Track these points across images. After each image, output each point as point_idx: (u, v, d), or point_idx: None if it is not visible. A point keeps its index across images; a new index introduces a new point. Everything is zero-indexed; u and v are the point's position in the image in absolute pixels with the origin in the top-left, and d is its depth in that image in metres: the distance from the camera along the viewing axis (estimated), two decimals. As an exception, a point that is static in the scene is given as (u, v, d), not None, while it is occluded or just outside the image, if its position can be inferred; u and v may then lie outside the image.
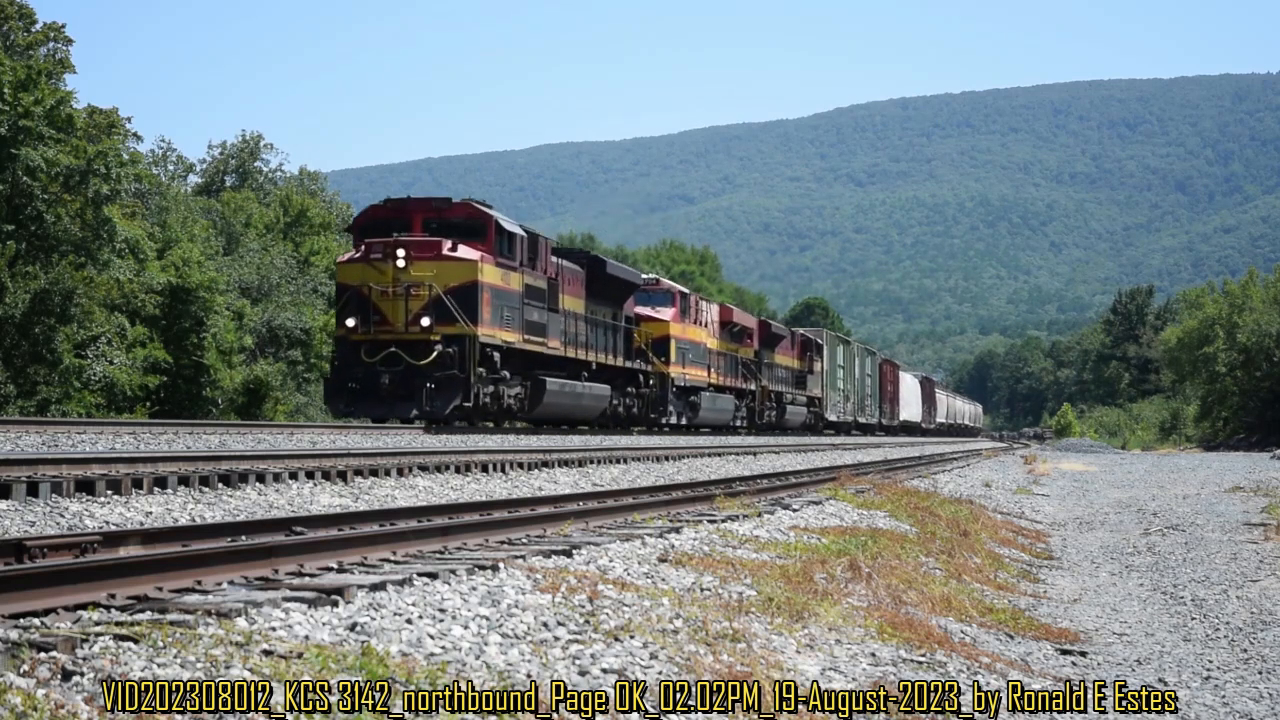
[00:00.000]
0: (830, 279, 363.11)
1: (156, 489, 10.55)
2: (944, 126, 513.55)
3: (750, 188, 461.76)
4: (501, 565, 6.98)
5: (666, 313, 38.08)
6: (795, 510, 12.94)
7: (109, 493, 10.07)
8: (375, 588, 6.04)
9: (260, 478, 11.80)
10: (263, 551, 6.60)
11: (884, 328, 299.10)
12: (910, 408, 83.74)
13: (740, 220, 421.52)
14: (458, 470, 15.23)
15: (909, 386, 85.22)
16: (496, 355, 25.13)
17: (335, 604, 5.61)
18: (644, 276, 38.72)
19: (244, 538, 7.63)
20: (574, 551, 7.98)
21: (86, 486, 9.99)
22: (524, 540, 8.53)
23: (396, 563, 7.09)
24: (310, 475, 12.57)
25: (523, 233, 26.75)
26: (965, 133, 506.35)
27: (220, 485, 11.25)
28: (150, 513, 9.48)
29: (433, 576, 6.51)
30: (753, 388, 48.29)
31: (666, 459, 22.52)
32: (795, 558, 9.47)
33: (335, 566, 6.79)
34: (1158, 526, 18.17)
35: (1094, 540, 17.19)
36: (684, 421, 39.43)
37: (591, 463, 18.97)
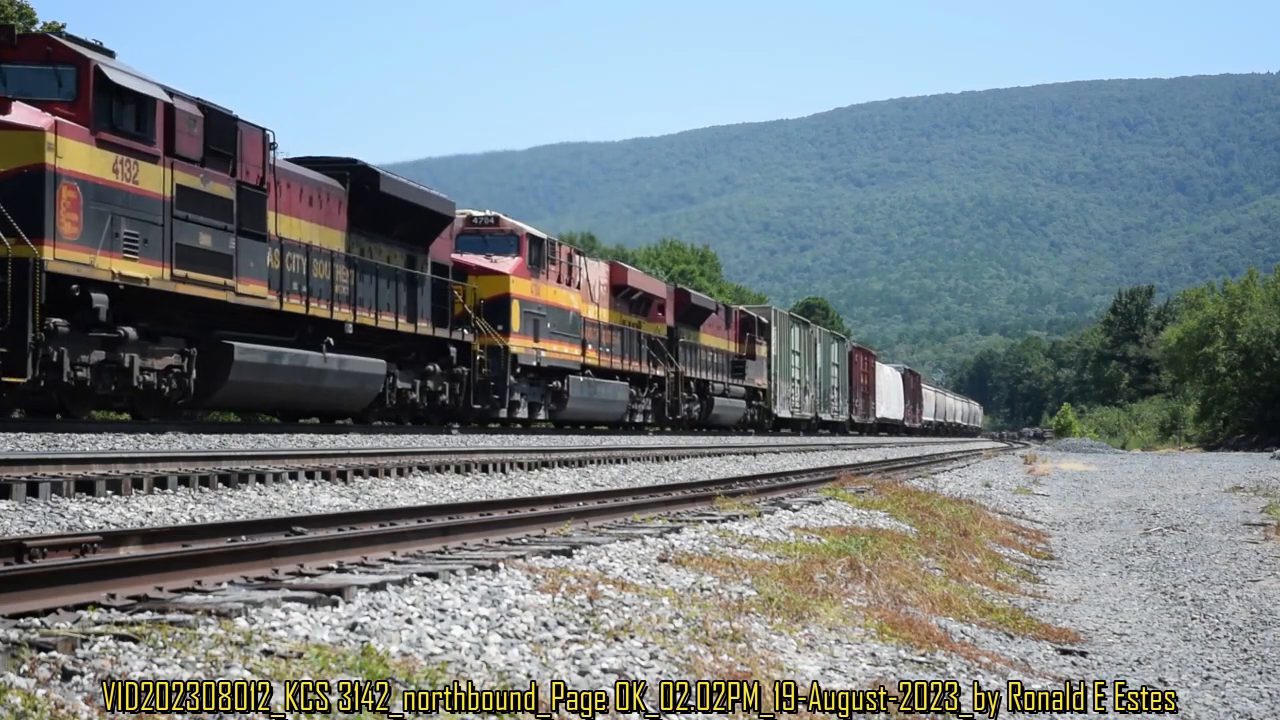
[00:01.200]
0: (830, 279, 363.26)
1: (156, 489, 10.55)
2: (944, 126, 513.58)
3: (750, 188, 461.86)
4: (501, 565, 6.98)
5: (507, 263, 27.85)
6: (795, 510, 12.93)
7: (109, 493, 10.07)
8: (375, 588, 6.04)
9: (260, 478, 11.80)
10: (263, 551, 6.60)
11: (884, 328, 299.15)
12: (889, 403, 76.20)
13: (740, 220, 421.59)
14: (458, 470, 15.23)
15: (888, 379, 77.32)
16: (100, 298, 16.11)
17: (335, 604, 5.61)
18: (476, 213, 28.88)
19: (244, 538, 7.63)
20: (574, 551, 7.98)
21: (86, 486, 9.99)
22: (524, 540, 8.53)
23: (396, 563, 7.09)
24: (310, 475, 12.57)
25: (165, 97, 17.18)
26: (965, 133, 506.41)
27: (220, 485, 11.25)
28: (150, 513, 9.48)
29: (433, 576, 6.51)
30: (662, 373, 37.75)
31: (666, 459, 22.53)
32: (795, 558, 9.47)
33: (335, 566, 6.79)
34: (1158, 526, 18.17)
35: (1094, 540, 17.19)
36: (541, 415, 29.91)
37: (591, 463, 18.97)
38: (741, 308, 49.57)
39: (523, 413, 28.51)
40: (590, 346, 32.21)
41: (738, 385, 45.81)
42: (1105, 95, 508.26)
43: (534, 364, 28.55)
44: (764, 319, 49.61)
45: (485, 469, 15.80)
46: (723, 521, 10.89)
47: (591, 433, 32.42)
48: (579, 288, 31.70)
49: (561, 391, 30.14)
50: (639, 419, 36.14)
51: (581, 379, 31.21)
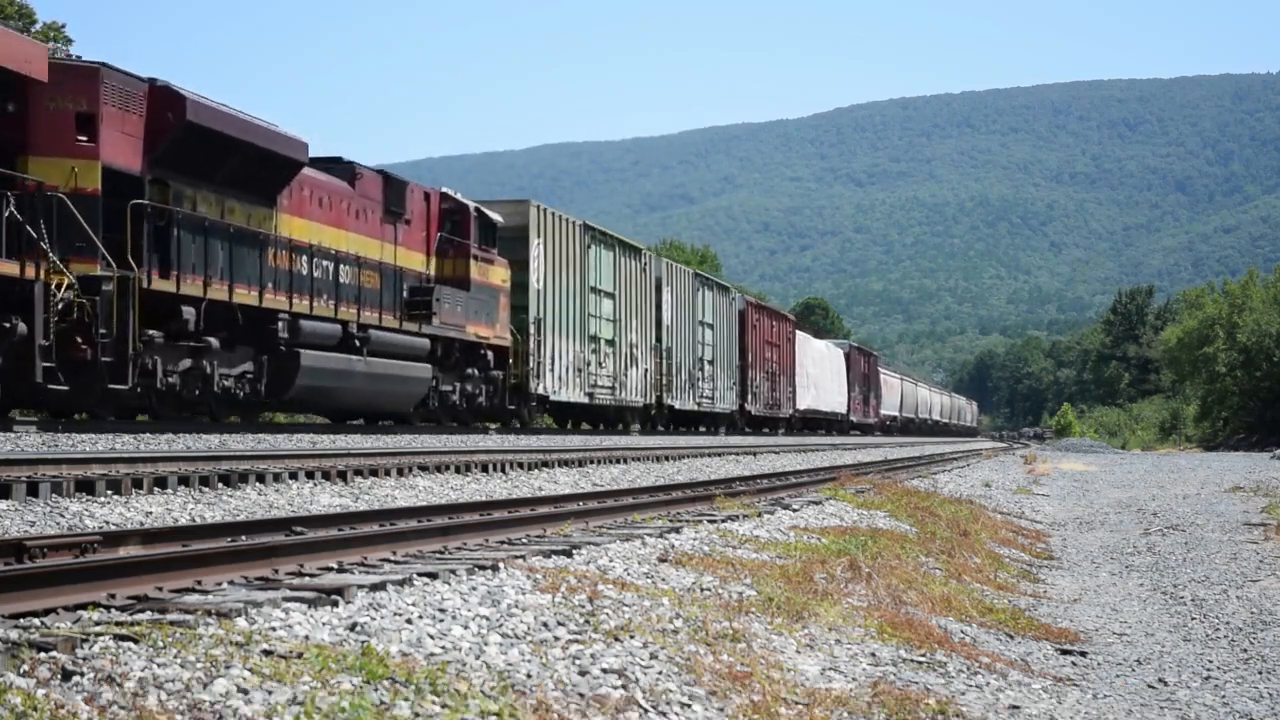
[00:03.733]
0: (830, 279, 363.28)
1: (156, 489, 10.55)
2: (944, 126, 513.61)
3: (750, 188, 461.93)
4: (501, 565, 6.98)
5: None
6: (795, 510, 12.93)
7: (109, 493, 10.07)
8: (375, 588, 6.04)
9: (260, 478, 11.80)
10: (263, 551, 6.60)
11: (884, 328, 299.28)
12: (821, 390, 57.04)
13: (740, 220, 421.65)
14: (458, 470, 15.23)
15: (819, 357, 57.69)
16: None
17: (335, 604, 5.61)
18: None
19: (244, 538, 7.63)
20: (574, 551, 7.98)
21: (86, 486, 9.99)
22: (524, 540, 8.53)
23: (396, 563, 7.09)
24: (310, 475, 12.57)
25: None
26: (965, 133, 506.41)
27: (220, 485, 11.25)
28: (150, 513, 9.47)
29: (433, 576, 6.51)
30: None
31: (666, 459, 22.54)
32: (795, 558, 9.47)
33: (335, 566, 6.79)
34: (1158, 526, 18.16)
35: (1094, 540, 17.19)
36: None
37: (591, 463, 18.98)
38: (448, 191, 26.14)
39: None
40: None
41: (415, 338, 23.84)
42: (1105, 95, 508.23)
43: None
44: (516, 221, 28.01)
45: (485, 469, 15.80)
46: (723, 521, 10.89)
47: (592, 432, 32.56)
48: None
49: None
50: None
51: None
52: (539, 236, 29.09)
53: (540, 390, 29.09)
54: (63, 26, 43.04)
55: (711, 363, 41.84)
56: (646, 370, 36.48)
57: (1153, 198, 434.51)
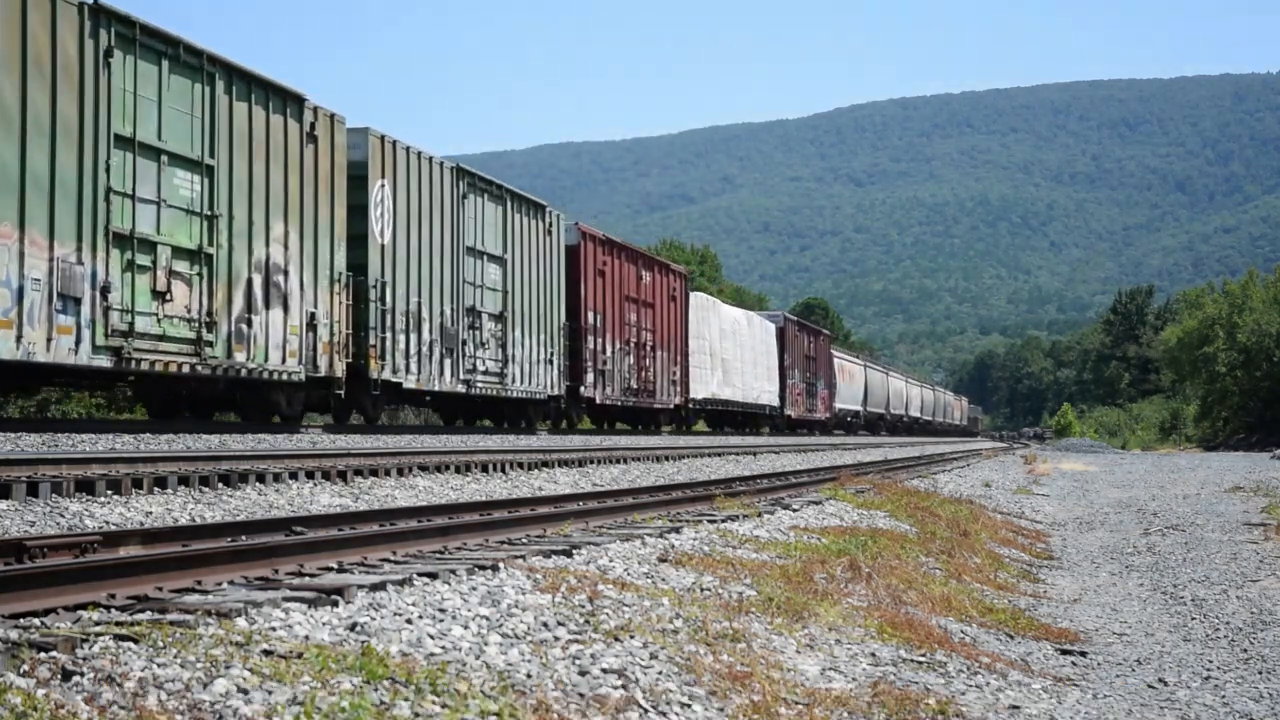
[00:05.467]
0: (830, 279, 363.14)
1: (156, 489, 10.55)
2: (944, 126, 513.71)
3: (750, 188, 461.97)
4: (501, 565, 6.98)
5: None
6: (795, 510, 12.94)
7: (109, 493, 10.07)
8: (375, 588, 6.04)
9: (260, 478, 11.80)
10: (263, 551, 6.60)
11: (884, 328, 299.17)
12: (734, 374, 42.97)
13: (740, 220, 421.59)
14: (458, 470, 15.23)
15: (733, 329, 43.46)
16: None
17: (335, 604, 5.61)
18: None
19: (244, 538, 7.63)
20: (574, 551, 7.98)
21: (86, 486, 9.99)
22: (524, 540, 8.53)
23: (396, 563, 7.09)
24: (310, 475, 12.57)
25: None
26: (965, 133, 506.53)
27: (220, 485, 11.25)
28: (150, 513, 9.48)
29: (433, 576, 6.51)
30: None
31: (666, 459, 22.55)
32: (795, 558, 9.47)
33: (335, 566, 6.79)
34: (1158, 526, 18.16)
35: (1094, 540, 17.19)
36: None
37: (591, 463, 18.98)
38: None
39: None
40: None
41: None
42: (1105, 95, 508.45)
43: None
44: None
45: (485, 469, 15.81)
46: (723, 521, 10.89)
47: (592, 432, 32.49)
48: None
49: None
50: None
51: None
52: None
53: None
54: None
55: (519, 326, 27.37)
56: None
57: (1153, 198, 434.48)
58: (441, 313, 24.06)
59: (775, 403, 48.83)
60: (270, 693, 4.12)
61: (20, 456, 10.22)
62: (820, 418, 56.49)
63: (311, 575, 6.40)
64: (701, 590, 7.53)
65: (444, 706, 4.33)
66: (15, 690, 3.81)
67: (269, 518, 8.86)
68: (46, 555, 6.37)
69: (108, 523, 8.84)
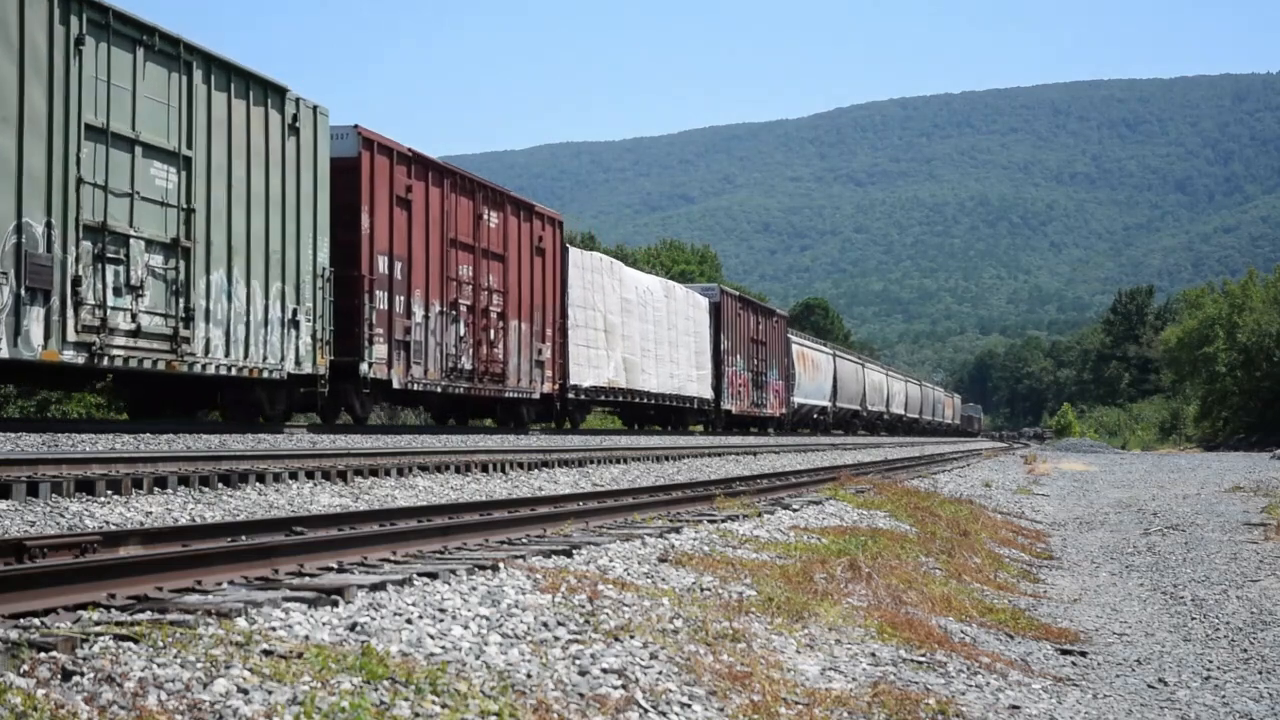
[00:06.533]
0: (830, 279, 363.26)
1: (156, 489, 10.55)
2: (944, 126, 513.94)
3: (750, 188, 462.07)
4: (501, 565, 6.98)
5: None
6: (795, 510, 12.93)
7: (109, 493, 10.07)
8: (375, 588, 6.03)
9: (260, 478, 11.80)
10: (263, 551, 6.59)
11: (884, 328, 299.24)
12: (648, 357, 34.15)
13: (740, 220, 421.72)
14: (458, 470, 15.23)
15: (644, 302, 34.30)
16: None
17: (335, 604, 5.61)
18: None
19: (244, 538, 7.63)
20: (574, 551, 7.98)
21: (86, 486, 9.99)
22: (524, 540, 8.53)
23: (396, 563, 7.08)
24: (310, 475, 12.57)
25: None
26: (965, 133, 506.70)
27: (220, 485, 11.25)
28: (150, 513, 9.47)
29: (433, 576, 6.51)
30: None
31: (666, 459, 22.54)
32: (795, 558, 9.47)
33: (335, 566, 6.79)
34: (1158, 526, 18.16)
35: (1094, 540, 17.19)
36: None
37: (591, 463, 18.98)
38: None
39: None
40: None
41: None
42: (1105, 95, 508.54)
43: None
44: None
45: (485, 469, 15.81)
46: (723, 521, 10.89)
47: (592, 432, 32.50)
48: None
49: None
50: None
51: None
52: None
53: None
54: None
55: (170, 249, 17.21)
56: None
57: (1153, 198, 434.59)
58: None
59: (707, 395, 39.72)
60: (270, 693, 4.12)
61: (20, 456, 10.21)
62: (772, 414, 47.20)
63: (311, 575, 6.40)
64: (701, 590, 7.53)
65: (444, 706, 4.33)
66: (15, 690, 3.81)
67: (269, 518, 8.86)
68: (46, 555, 6.37)
69: (108, 523, 8.84)
